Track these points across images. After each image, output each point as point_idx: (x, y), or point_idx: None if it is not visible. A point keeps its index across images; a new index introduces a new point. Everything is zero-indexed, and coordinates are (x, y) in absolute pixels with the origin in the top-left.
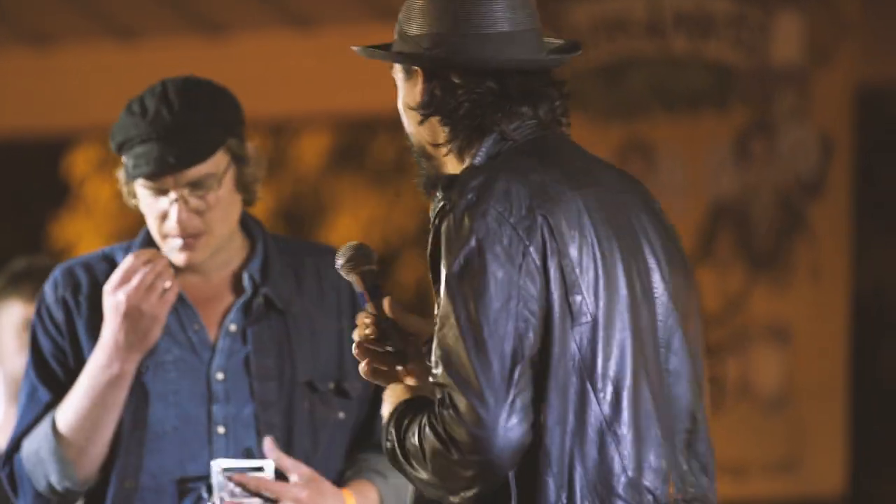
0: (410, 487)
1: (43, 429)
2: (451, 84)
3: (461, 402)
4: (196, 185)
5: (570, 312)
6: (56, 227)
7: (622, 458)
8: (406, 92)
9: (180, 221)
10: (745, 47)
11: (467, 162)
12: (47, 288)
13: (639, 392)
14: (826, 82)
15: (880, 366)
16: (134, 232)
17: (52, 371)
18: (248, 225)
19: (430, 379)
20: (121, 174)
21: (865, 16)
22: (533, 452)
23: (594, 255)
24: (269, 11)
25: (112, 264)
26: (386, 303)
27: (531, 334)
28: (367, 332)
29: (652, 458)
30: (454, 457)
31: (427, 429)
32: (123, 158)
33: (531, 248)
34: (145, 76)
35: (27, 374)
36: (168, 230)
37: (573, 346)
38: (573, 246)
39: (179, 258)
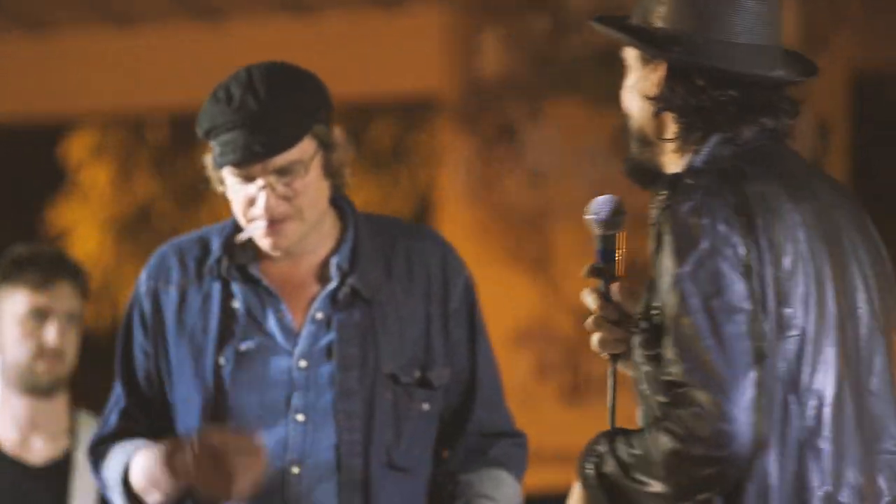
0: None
1: (116, 475)
2: (694, 85)
3: (705, 398)
4: (283, 172)
5: (781, 324)
6: (52, 213)
7: (821, 473)
8: (640, 77)
9: (268, 208)
10: None
11: (686, 157)
12: (142, 277)
13: (841, 408)
14: (823, 70)
15: None
16: (129, 219)
17: (133, 376)
18: (340, 206)
19: (663, 377)
20: (208, 160)
21: (862, 3)
22: None
23: (806, 269)
24: None
25: (206, 247)
26: (615, 287)
27: (766, 331)
28: (596, 304)
29: (850, 475)
30: (698, 452)
31: (657, 433)
32: (211, 144)
33: (752, 255)
34: (142, 62)
35: (116, 371)
36: (255, 214)
37: (781, 358)
38: (787, 258)
39: (266, 242)
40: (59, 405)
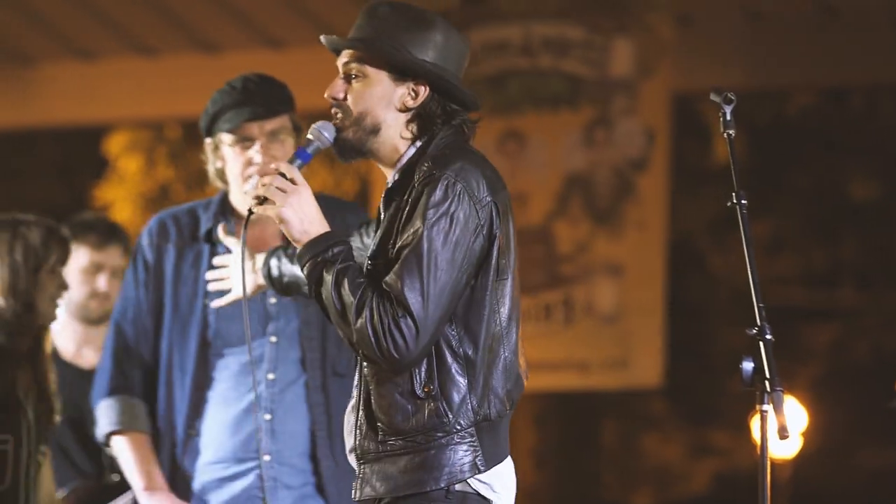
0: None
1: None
2: (443, 102)
3: (414, 313)
4: (273, 135)
5: (499, 270)
6: (98, 191)
7: (501, 377)
8: (392, 91)
9: (262, 163)
10: (592, 63)
11: (411, 144)
12: (144, 234)
13: (516, 332)
14: (649, 89)
15: (688, 293)
16: (152, 196)
17: (133, 306)
18: None
19: (389, 279)
20: (208, 145)
21: (678, 40)
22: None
23: (510, 234)
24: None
25: (194, 217)
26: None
27: (464, 280)
28: (283, 169)
29: (512, 382)
30: (382, 346)
31: (367, 305)
32: (216, 127)
33: (485, 222)
34: (162, 82)
35: (114, 308)
36: (251, 171)
37: (501, 294)
38: (507, 224)
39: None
40: (102, 329)
